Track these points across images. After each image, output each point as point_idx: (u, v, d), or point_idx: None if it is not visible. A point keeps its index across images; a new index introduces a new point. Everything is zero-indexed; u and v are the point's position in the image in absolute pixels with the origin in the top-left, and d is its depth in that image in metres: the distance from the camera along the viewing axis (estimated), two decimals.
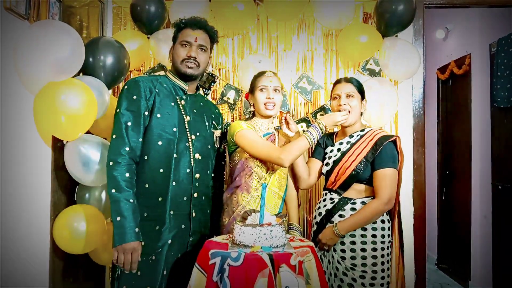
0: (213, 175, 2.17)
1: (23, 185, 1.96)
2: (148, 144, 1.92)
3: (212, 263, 1.66)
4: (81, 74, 2.20)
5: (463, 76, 4.11)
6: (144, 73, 2.77)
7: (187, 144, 1.99)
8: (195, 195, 2.01)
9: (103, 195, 2.27)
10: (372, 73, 2.71)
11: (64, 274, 2.22)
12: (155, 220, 1.92)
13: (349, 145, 2.18)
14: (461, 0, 2.92)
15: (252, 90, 2.22)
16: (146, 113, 1.91)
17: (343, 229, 2.06)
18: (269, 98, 2.14)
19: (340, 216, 2.12)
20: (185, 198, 1.98)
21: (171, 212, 1.94)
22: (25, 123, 1.94)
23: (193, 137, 2.02)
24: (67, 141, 2.07)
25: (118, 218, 1.78)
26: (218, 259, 1.66)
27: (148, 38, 2.63)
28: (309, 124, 2.71)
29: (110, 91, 2.51)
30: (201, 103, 2.17)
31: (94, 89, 2.07)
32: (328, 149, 2.27)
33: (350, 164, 2.12)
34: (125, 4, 2.72)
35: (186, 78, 2.05)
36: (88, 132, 2.16)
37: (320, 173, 2.29)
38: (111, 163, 1.84)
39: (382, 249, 2.08)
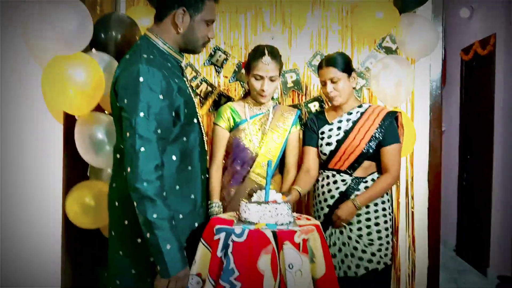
0: None
1: (34, 166, 1.99)
2: (175, 143, 1.70)
3: (217, 238, 1.66)
4: (93, 49, 2.21)
5: (488, 58, 3.96)
6: None
7: (202, 131, 1.87)
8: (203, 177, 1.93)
9: None
10: (389, 50, 2.63)
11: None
12: (192, 219, 1.80)
13: (350, 123, 2.16)
14: None
15: (247, 70, 2.13)
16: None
17: (362, 202, 2.09)
18: (262, 90, 2.06)
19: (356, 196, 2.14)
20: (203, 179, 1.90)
21: (203, 204, 1.89)
22: (35, 99, 1.96)
23: (200, 119, 1.86)
24: (79, 116, 2.08)
25: (168, 247, 1.54)
26: (222, 235, 1.66)
27: None
28: (322, 103, 2.66)
29: None
30: None
31: (104, 65, 2.08)
32: (325, 128, 2.21)
33: (359, 143, 2.11)
34: None
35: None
36: (99, 108, 2.17)
37: (319, 158, 2.24)
38: (145, 184, 1.51)
39: (385, 222, 2.15)
